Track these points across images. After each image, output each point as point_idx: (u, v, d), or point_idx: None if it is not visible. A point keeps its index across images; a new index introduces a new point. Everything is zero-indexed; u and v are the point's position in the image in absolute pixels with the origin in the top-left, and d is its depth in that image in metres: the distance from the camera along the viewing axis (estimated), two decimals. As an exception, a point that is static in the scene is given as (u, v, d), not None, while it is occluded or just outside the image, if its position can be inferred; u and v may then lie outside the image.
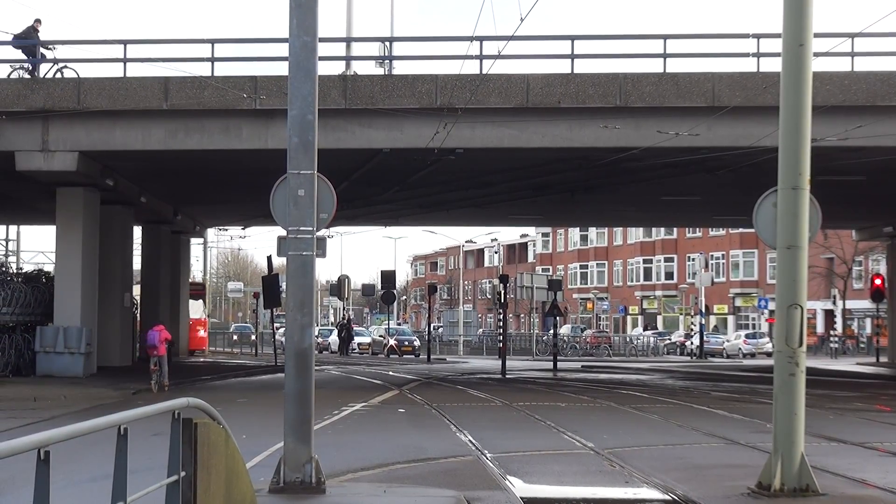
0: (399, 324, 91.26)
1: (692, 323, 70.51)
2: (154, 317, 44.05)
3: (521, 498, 12.02)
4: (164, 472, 7.76)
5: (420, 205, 41.14)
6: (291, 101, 12.15)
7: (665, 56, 28.35)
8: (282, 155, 12.48)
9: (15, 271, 40.42)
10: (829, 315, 77.34)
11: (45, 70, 29.99)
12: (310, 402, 11.98)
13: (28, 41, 30.29)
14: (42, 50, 30.32)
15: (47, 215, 36.38)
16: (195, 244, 63.51)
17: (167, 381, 28.70)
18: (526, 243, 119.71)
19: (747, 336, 72.77)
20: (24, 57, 30.28)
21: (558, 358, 47.83)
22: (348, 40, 32.14)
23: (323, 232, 13.03)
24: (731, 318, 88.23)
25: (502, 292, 42.47)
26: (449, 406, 23.77)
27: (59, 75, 29.64)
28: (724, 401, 26.55)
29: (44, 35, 30.68)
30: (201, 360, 48.01)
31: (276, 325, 53.78)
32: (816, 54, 16.60)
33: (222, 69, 29.61)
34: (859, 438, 17.65)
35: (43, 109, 28.69)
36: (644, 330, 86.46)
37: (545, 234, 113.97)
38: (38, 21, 30.58)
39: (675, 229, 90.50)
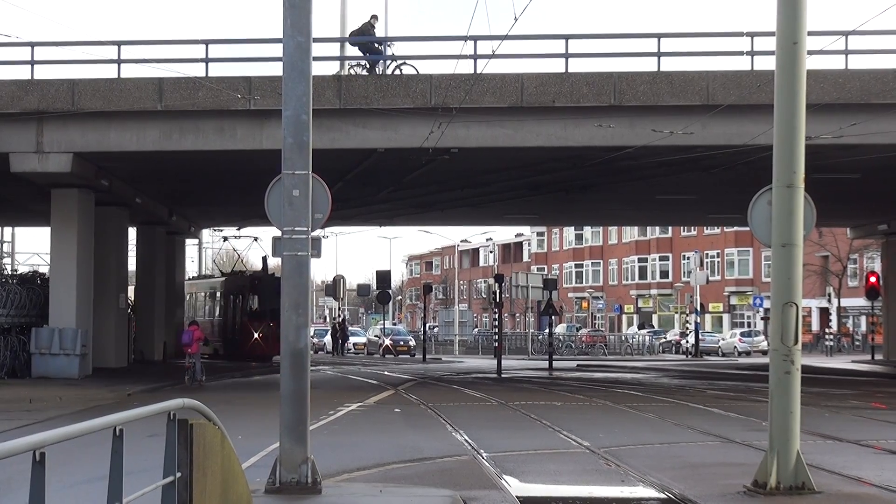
0: (394, 324, 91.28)
1: (687, 321, 70.58)
2: (150, 318, 44.09)
3: (518, 497, 12.02)
4: (160, 474, 7.75)
5: (415, 205, 41.13)
6: (286, 102, 12.15)
7: (659, 55, 28.36)
8: (277, 155, 12.48)
9: (10, 273, 40.38)
10: (825, 313, 77.36)
11: (383, 67, 29.36)
12: (305, 403, 11.99)
13: (366, 37, 29.87)
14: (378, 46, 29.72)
15: (42, 217, 36.34)
16: (190, 245, 63.44)
17: (200, 378, 30.54)
18: (521, 243, 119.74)
19: (742, 334, 72.82)
20: (361, 54, 29.77)
21: (554, 357, 47.79)
22: (342, 40, 32.10)
23: (318, 232, 13.01)
24: (726, 317, 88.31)
25: (498, 292, 42.46)
26: (445, 406, 23.77)
27: (397, 72, 28.86)
28: (719, 399, 26.57)
29: (34, 35, 30.61)
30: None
31: None
32: (810, 52, 16.63)
33: (217, 70, 29.56)
34: (855, 436, 17.67)
35: (37, 111, 28.63)
36: (639, 329, 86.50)
37: (540, 234, 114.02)
38: (374, 17, 30.06)
39: (670, 228, 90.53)
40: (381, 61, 29.34)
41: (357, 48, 30.18)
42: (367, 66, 29.46)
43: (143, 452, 9.64)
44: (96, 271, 33.58)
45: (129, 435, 6.75)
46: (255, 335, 45.96)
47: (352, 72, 29.24)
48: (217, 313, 50.70)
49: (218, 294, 51.19)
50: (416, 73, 28.54)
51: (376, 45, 29.87)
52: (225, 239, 53.71)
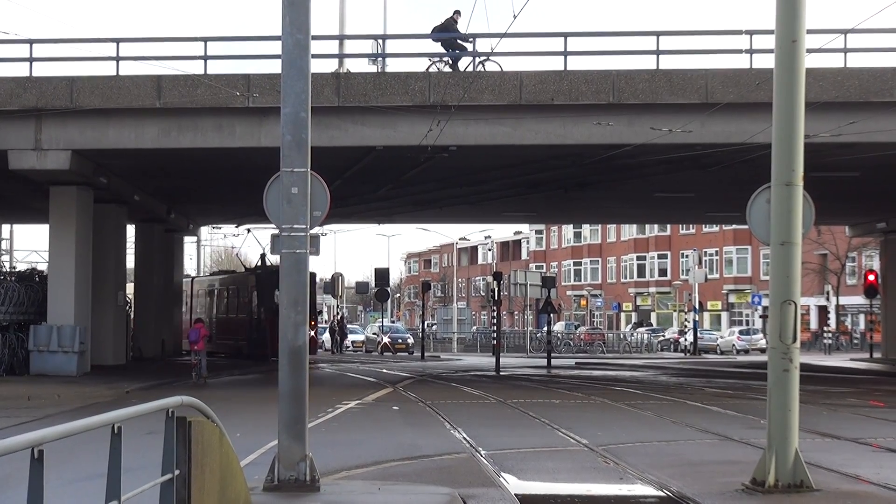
0: (393, 321, 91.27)
1: (686, 319, 70.62)
2: (148, 315, 44.07)
3: (516, 495, 12.01)
4: (159, 471, 7.75)
5: (414, 202, 41.12)
6: (285, 99, 12.14)
7: (658, 53, 28.35)
8: (275, 153, 12.47)
9: (8, 270, 40.37)
10: (823, 311, 77.45)
11: (465, 63, 28.99)
12: (304, 400, 11.98)
13: (448, 34, 29.46)
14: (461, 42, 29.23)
15: (40, 214, 36.32)
16: (189, 242, 63.36)
17: (205, 374, 30.92)
18: (520, 240, 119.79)
19: (741, 332, 72.83)
20: (444, 50, 29.32)
21: (552, 355, 47.81)
22: (341, 38, 32.08)
23: (316, 229, 13.00)
24: (724, 315, 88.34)
25: (496, 289, 42.43)
26: (443, 403, 23.77)
27: (480, 68, 28.49)
28: (717, 397, 26.57)
29: (33, 33, 30.58)
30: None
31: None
32: (809, 50, 16.62)
33: (215, 67, 29.60)
34: (853, 434, 17.67)
35: (36, 108, 28.61)
36: (636, 327, 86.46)
37: (539, 232, 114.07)
38: (457, 13, 29.53)
39: (668, 226, 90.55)
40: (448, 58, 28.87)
41: (440, 44, 29.61)
42: (451, 62, 29.07)
43: (142, 450, 9.63)
44: (95, 269, 33.57)
45: (128, 432, 6.75)
46: None
47: (433, 69, 28.88)
48: (240, 310, 48.43)
49: (243, 290, 48.73)
50: (500, 70, 28.30)
51: (459, 41, 29.40)
52: (248, 231, 51.71)
